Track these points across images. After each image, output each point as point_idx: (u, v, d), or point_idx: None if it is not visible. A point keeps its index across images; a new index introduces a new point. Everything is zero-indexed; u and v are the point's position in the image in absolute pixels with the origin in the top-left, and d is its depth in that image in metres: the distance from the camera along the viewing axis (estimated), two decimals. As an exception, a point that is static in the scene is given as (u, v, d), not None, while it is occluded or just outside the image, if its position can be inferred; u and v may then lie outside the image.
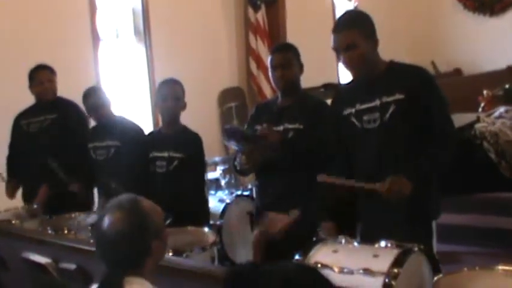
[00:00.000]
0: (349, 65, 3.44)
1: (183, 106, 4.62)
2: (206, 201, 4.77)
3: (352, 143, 3.55)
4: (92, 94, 5.13)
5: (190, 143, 4.57)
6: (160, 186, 4.47)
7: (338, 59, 3.49)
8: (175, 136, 4.58)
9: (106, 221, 2.38)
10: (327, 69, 7.12)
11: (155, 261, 2.45)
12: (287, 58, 4.15)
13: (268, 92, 8.94)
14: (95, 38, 7.50)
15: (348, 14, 3.68)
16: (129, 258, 2.36)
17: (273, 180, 4.14)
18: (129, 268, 2.36)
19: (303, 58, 4.19)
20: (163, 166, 4.54)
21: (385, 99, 3.39)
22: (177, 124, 4.64)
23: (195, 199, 4.51)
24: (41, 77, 5.50)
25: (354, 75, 3.56)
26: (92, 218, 4.49)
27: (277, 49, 4.33)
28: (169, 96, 4.56)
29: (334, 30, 3.43)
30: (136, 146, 4.82)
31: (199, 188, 4.67)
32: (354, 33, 3.36)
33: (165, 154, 4.54)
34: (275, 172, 4.09)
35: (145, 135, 5.02)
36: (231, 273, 1.84)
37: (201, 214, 4.54)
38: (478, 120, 6.13)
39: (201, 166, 4.73)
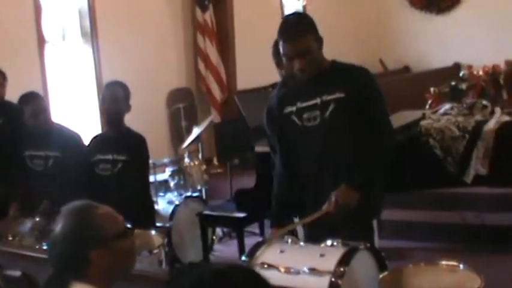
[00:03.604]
0: (304, 70, 3.42)
1: (127, 108, 4.55)
2: (152, 203, 4.73)
3: (292, 142, 3.56)
4: (31, 100, 4.93)
5: (134, 144, 4.52)
6: (105, 189, 4.41)
7: (288, 65, 3.47)
8: (118, 138, 4.54)
9: (56, 225, 2.36)
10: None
11: (102, 269, 2.33)
12: None
13: (216, 93, 8.93)
14: (41, 40, 7.39)
15: (296, 20, 3.60)
16: (70, 263, 2.31)
17: None
18: (73, 274, 2.32)
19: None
20: (108, 169, 4.49)
21: (326, 97, 3.41)
22: (120, 126, 4.57)
23: (140, 201, 4.47)
24: None
25: (307, 77, 3.52)
26: (35, 223, 4.41)
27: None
28: (107, 98, 4.52)
29: (288, 39, 3.39)
30: (78, 155, 4.72)
31: (144, 190, 4.63)
32: (308, 38, 3.38)
33: (109, 157, 4.49)
34: None
35: (84, 144, 4.90)
36: (171, 275, 1.84)
37: (147, 216, 4.51)
38: (423, 117, 6.20)
39: (145, 168, 4.70)
